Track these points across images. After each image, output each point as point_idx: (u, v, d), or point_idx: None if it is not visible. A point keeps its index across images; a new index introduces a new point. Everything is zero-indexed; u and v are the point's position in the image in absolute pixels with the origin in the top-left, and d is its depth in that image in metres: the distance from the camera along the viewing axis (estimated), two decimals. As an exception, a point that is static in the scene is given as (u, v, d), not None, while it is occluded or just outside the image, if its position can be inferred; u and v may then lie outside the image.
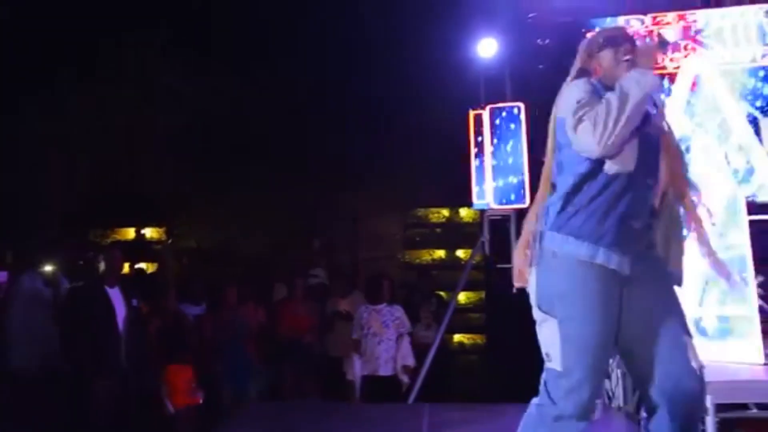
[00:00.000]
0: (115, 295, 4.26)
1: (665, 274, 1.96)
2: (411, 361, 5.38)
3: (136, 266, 8.80)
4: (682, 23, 4.90)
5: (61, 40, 7.99)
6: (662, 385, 1.88)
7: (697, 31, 4.85)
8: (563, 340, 1.89)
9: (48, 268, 4.72)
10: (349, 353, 5.61)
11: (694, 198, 1.96)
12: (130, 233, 10.18)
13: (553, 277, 1.94)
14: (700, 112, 4.16)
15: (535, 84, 5.38)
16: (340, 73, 8.13)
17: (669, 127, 2.02)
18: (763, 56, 4.78)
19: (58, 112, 7.56)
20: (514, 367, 5.13)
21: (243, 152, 7.99)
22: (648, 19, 4.94)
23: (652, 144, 1.94)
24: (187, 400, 4.69)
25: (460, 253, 9.19)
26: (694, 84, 4.33)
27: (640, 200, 1.92)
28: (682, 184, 1.97)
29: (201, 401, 4.75)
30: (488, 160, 5.72)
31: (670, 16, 4.92)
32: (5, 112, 7.93)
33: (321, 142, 8.20)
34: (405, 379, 5.31)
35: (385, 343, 5.32)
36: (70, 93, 7.64)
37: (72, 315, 4.18)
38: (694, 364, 1.86)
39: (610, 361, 3.99)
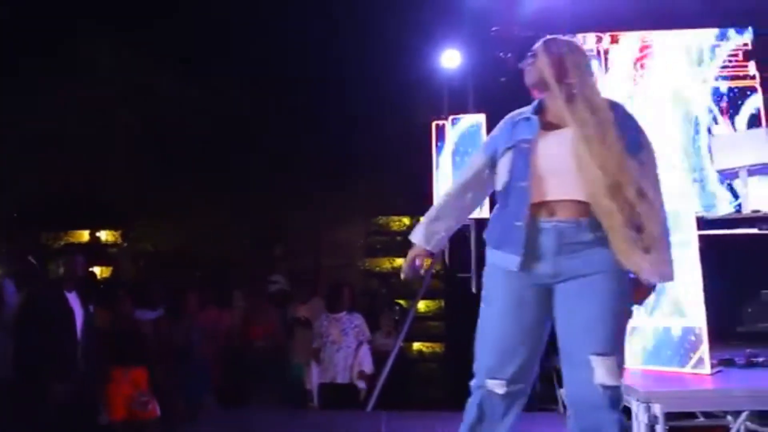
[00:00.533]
0: (72, 299, 4.17)
1: (599, 279, 1.96)
2: (368, 368, 5.38)
3: (89, 270, 8.56)
4: (639, 43, 5.07)
5: (21, 36, 7.77)
6: (570, 392, 2.02)
7: (650, 52, 5.04)
8: (477, 333, 2.14)
9: (-5, 271, 4.54)
10: (308, 361, 5.58)
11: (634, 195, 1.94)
12: (85, 236, 9.91)
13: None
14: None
15: (496, 96, 5.48)
16: (304, 78, 8.12)
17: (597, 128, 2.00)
18: (715, 78, 4.99)
19: (12, 110, 7.32)
20: (472, 375, 5.20)
21: (203, 155, 7.87)
22: (606, 37, 5.09)
23: (522, 152, 2.08)
24: (135, 411, 4.52)
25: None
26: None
27: (519, 202, 2.04)
28: (611, 181, 1.94)
29: (156, 413, 4.59)
30: (449, 170, 5.78)
31: (629, 34, 5.08)
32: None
33: (284, 147, 8.16)
34: (361, 385, 5.32)
35: (344, 350, 5.33)
36: (26, 91, 7.41)
37: (30, 319, 4.05)
38: (598, 381, 1.90)
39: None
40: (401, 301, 7.52)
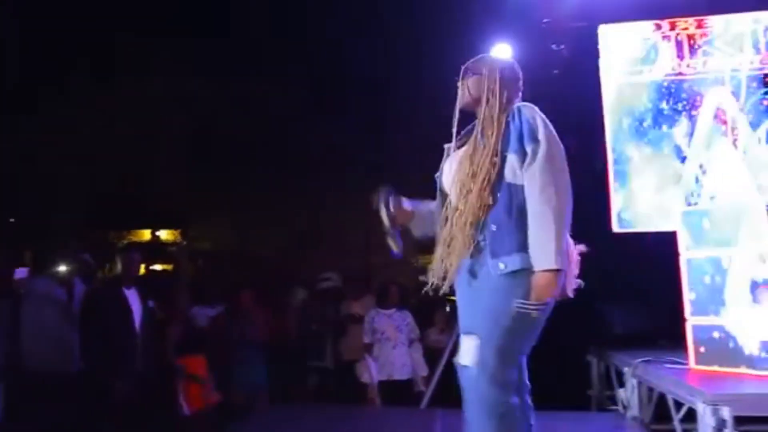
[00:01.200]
0: (131, 296, 4.31)
1: (478, 278, 2.19)
2: (423, 370, 5.40)
3: (151, 267, 8.87)
4: (700, 29, 4.86)
5: (79, 44, 8.10)
6: None
7: (710, 38, 4.81)
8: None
9: (63, 268, 4.75)
10: (362, 356, 5.62)
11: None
12: (146, 235, 10.29)
13: None
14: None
15: (549, 89, 5.37)
16: (355, 77, 8.15)
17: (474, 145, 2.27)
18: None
19: (78, 116, 7.65)
20: (528, 373, 5.12)
21: (259, 156, 8.03)
22: (665, 24, 4.90)
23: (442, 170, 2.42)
24: (203, 401, 4.71)
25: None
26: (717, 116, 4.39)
27: (439, 211, 2.37)
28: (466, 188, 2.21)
29: (216, 401, 4.77)
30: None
31: (689, 21, 4.88)
32: (25, 116, 8.04)
33: (335, 146, 8.24)
34: (421, 387, 5.33)
35: (399, 347, 5.35)
36: (90, 97, 7.73)
37: (90, 316, 4.22)
38: (460, 360, 2.18)
39: (626, 369, 3.98)
40: (454, 298, 7.46)
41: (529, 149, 2.14)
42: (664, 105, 4.82)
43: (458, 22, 6.78)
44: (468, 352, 2.14)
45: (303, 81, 8.15)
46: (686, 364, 3.48)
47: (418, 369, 5.40)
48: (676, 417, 3.26)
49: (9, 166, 8.02)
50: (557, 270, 2.07)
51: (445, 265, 2.28)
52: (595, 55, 4.96)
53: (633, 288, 4.75)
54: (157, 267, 9.16)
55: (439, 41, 7.47)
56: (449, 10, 7.28)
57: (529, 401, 2.36)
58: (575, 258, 2.30)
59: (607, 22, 5.01)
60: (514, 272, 2.10)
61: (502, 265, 2.11)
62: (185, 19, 8.07)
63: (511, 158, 2.16)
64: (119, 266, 4.36)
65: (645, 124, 4.85)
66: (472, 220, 2.16)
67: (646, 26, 4.91)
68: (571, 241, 2.27)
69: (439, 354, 5.41)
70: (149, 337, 4.31)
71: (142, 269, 6.38)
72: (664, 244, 3.88)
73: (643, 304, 4.75)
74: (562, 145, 2.22)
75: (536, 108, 2.27)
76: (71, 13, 8.14)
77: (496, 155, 2.18)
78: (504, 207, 2.14)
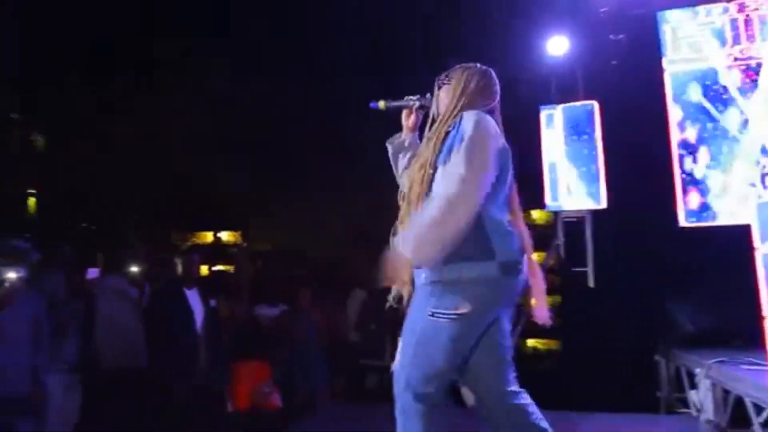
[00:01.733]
0: (193, 296, 4.43)
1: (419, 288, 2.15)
2: None
3: (213, 268, 9.12)
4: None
5: (137, 50, 8.42)
6: None
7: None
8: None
9: (134, 269, 4.94)
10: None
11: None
12: (209, 237, 10.60)
13: None
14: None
15: (608, 80, 5.20)
16: (406, 73, 8.11)
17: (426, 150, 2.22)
18: None
19: (142, 123, 7.95)
20: (592, 373, 4.97)
21: (318, 157, 8.12)
22: (732, 6, 4.66)
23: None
24: (258, 401, 4.76)
25: (534, 256, 8.97)
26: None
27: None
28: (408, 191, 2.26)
29: (278, 404, 4.81)
30: (561, 161, 5.57)
31: (759, 1, 4.62)
32: (92, 125, 8.42)
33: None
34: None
35: None
36: (152, 103, 8.01)
37: (153, 316, 4.36)
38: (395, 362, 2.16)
39: (698, 370, 3.80)
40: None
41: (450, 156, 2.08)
42: (733, 91, 4.60)
43: (512, 16, 6.65)
44: (397, 355, 2.17)
45: (364, 81, 8.16)
46: (766, 365, 3.29)
47: None
48: (757, 421, 3.09)
49: (79, 174, 8.43)
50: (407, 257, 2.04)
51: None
52: (656, 42, 4.77)
53: (703, 285, 4.53)
54: (219, 268, 9.41)
55: (493, 37, 7.36)
56: (503, 4, 7.16)
57: (531, 404, 2.28)
58: (542, 286, 2.31)
59: (667, 8, 4.81)
60: (433, 282, 2.06)
61: (423, 276, 2.10)
62: (241, 21, 8.25)
63: (442, 171, 2.09)
64: (180, 268, 4.49)
65: (713, 112, 4.63)
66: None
67: (712, 9, 4.68)
68: (539, 270, 2.28)
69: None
70: (210, 337, 4.41)
71: (205, 270, 6.56)
72: (737, 238, 3.68)
73: (715, 302, 4.53)
74: (489, 150, 2.10)
75: (481, 114, 2.16)
76: (128, 22, 8.49)
77: (430, 167, 2.15)
78: None
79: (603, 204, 5.36)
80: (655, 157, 4.87)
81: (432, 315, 2.03)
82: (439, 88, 2.35)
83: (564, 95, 5.61)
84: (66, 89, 9.50)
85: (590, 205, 5.47)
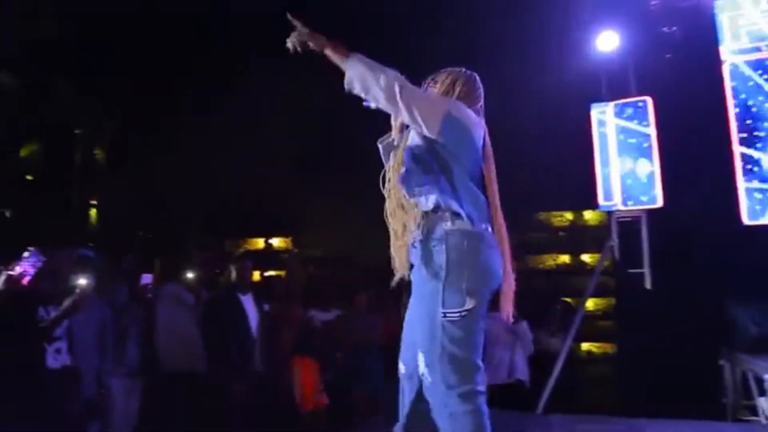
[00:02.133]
0: (247, 301, 4.53)
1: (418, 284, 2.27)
2: (524, 375, 5.29)
3: (265, 274, 9.29)
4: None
5: (188, 56, 8.67)
6: None
7: None
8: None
9: (190, 275, 5.08)
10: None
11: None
12: (260, 243, 10.81)
13: None
14: None
15: (662, 74, 5.05)
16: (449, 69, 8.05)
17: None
18: None
19: (195, 132, 8.17)
20: (650, 378, 4.82)
21: (365, 162, 8.13)
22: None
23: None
24: (315, 401, 4.85)
25: (586, 257, 8.80)
26: None
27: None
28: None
29: (326, 402, 4.89)
30: (614, 159, 5.44)
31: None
32: (148, 136, 8.72)
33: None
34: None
35: (514, 350, 5.27)
36: (205, 113, 8.22)
37: (210, 322, 4.48)
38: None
39: (767, 376, 3.64)
40: (568, 299, 7.19)
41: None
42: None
43: (560, 13, 6.54)
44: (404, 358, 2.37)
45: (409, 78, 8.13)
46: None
47: (517, 373, 5.29)
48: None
49: (137, 185, 8.75)
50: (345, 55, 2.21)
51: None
52: (712, 33, 4.60)
53: (768, 286, 4.34)
54: (271, 273, 9.57)
55: (541, 36, 7.25)
56: (549, 1, 7.05)
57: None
58: (512, 277, 2.38)
59: (723, -1, 4.64)
60: (421, 241, 2.28)
61: (416, 243, 2.32)
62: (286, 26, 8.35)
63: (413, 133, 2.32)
64: (234, 274, 4.60)
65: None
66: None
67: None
68: (509, 267, 2.36)
69: (550, 357, 5.24)
70: (265, 340, 4.50)
71: (257, 275, 6.69)
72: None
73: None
74: (440, 99, 2.32)
75: (458, 104, 2.32)
76: (183, 31, 8.76)
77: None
78: (420, 171, 2.27)
79: (659, 203, 5.21)
80: (713, 153, 4.70)
81: (445, 316, 2.12)
82: (427, 88, 2.43)
83: (615, 92, 5.47)
84: (125, 105, 9.90)
85: (646, 204, 5.32)
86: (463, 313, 2.12)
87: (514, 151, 7.98)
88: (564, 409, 4.47)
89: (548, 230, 9.32)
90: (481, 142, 2.37)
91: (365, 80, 2.17)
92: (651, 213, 5.34)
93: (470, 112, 2.33)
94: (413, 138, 2.32)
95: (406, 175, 2.27)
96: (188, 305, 4.97)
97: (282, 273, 10.00)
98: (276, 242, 10.84)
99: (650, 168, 5.24)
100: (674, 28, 5.04)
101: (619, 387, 5.80)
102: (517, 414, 4.84)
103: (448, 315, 2.12)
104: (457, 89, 2.38)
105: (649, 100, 5.22)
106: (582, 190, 6.14)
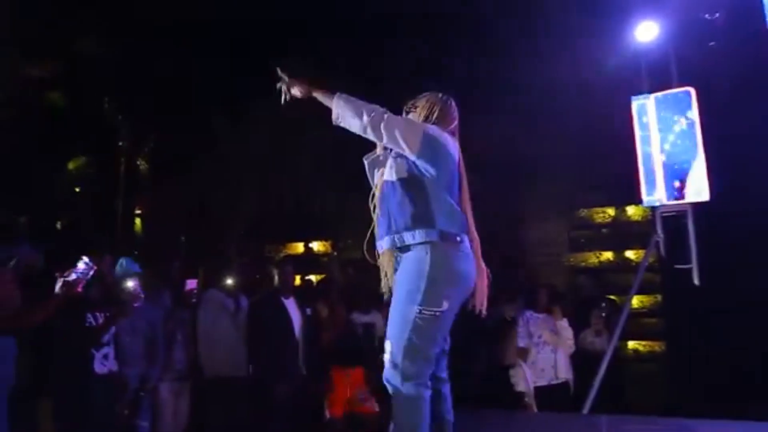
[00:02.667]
0: (290, 305, 4.59)
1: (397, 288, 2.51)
2: (567, 374, 5.20)
3: (306, 278, 9.37)
4: None
5: (231, 66, 8.83)
6: None
7: None
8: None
9: (230, 281, 5.16)
10: (517, 362, 5.49)
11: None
12: (300, 247, 10.91)
13: None
14: None
15: (705, 64, 4.90)
16: (491, 67, 7.95)
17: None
18: None
19: (234, 140, 8.31)
20: (701, 377, 4.68)
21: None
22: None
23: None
24: (355, 407, 4.81)
25: (630, 254, 8.60)
26: None
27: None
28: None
29: (375, 410, 4.84)
30: (657, 153, 5.30)
31: None
32: (189, 145, 8.91)
33: (477, 143, 8.06)
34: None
35: (558, 351, 5.20)
36: (245, 120, 8.35)
37: (254, 326, 4.55)
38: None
39: None
40: (613, 297, 7.04)
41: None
42: None
43: (598, 5, 6.41)
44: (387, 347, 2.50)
45: (447, 75, 8.03)
46: None
47: (560, 371, 5.20)
48: None
49: (180, 194, 8.96)
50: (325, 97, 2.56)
51: None
52: (759, 18, 4.43)
53: None
54: (312, 277, 9.66)
55: (577, 28, 7.12)
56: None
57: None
58: (485, 274, 2.60)
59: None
60: (398, 248, 2.54)
61: (387, 247, 2.60)
62: (332, 36, 8.41)
63: (391, 161, 2.61)
64: (276, 278, 4.66)
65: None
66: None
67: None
68: (482, 266, 2.58)
69: (595, 356, 5.13)
70: (308, 344, 4.54)
71: (298, 279, 6.75)
72: None
73: None
74: (418, 126, 2.54)
75: (432, 127, 2.57)
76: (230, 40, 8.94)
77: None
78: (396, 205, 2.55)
79: (705, 197, 5.05)
80: (761, 144, 4.53)
81: (420, 312, 2.37)
82: (407, 113, 2.70)
83: (656, 83, 5.32)
84: (166, 116, 10.16)
85: (691, 198, 5.15)
86: (437, 314, 2.38)
87: (554, 149, 7.90)
88: (611, 410, 4.38)
89: (590, 227, 9.14)
90: (457, 159, 2.59)
91: (352, 115, 2.49)
92: (697, 207, 5.19)
93: (445, 134, 2.58)
94: (391, 167, 2.57)
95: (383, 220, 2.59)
96: (229, 310, 5.05)
97: (322, 276, 10.09)
98: (316, 246, 10.94)
99: (695, 161, 5.08)
100: (717, 15, 4.88)
101: (668, 386, 5.65)
102: (563, 415, 4.76)
103: (423, 311, 2.37)
104: (435, 113, 2.65)
105: (692, 90, 5.07)
106: (624, 185, 6.01)
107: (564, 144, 7.89)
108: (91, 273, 3.60)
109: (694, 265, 5.10)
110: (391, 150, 2.60)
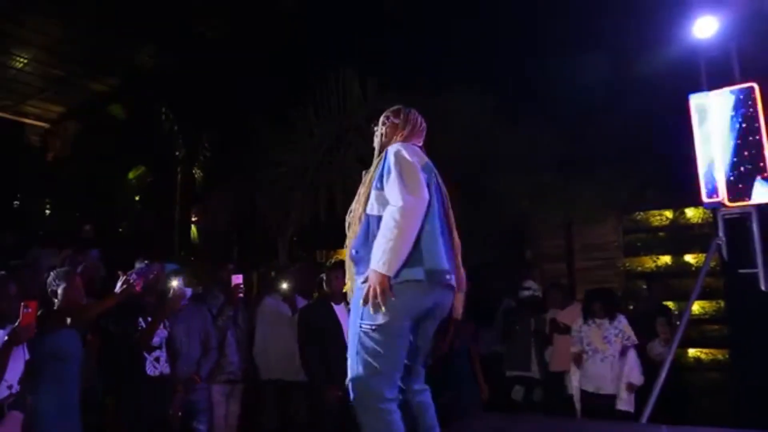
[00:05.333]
0: (340, 310, 4.63)
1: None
2: (637, 379, 4.99)
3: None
4: None
5: (283, 76, 8.98)
6: None
7: None
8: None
9: (285, 287, 5.26)
10: (569, 367, 5.38)
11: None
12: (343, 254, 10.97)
13: None
14: None
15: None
16: (544, 66, 7.80)
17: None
18: None
19: (285, 148, 8.44)
20: (766, 387, 4.45)
21: (448, 163, 8.05)
22: None
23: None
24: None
25: (689, 258, 8.28)
26: None
27: None
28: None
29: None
30: (718, 153, 5.09)
31: None
32: (242, 155, 9.11)
33: (525, 142, 7.92)
34: (624, 396, 4.95)
35: (609, 360, 5.03)
36: (295, 126, 8.46)
37: (305, 331, 4.61)
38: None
39: None
40: (669, 303, 6.79)
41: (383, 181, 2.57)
42: None
43: (655, 3, 6.22)
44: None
45: (496, 70, 7.91)
46: None
47: (630, 377, 5.01)
48: None
49: (233, 204, 9.15)
50: (384, 274, 2.41)
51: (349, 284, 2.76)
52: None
53: None
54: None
55: (638, 27, 6.93)
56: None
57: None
58: (463, 281, 2.65)
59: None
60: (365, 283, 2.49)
61: (360, 279, 2.56)
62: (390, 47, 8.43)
63: (374, 193, 2.59)
64: (326, 284, 4.71)
65: None
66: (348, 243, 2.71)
67: None
68: (462, 274, 2.64)
69: (654, 364, 4.97)
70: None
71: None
72: None
73: None
74: (414, 168, 2.54)
75: (400, 145, 2.65)
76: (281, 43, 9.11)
77: (366, 192, 2.65)
78: (362, 234, 2.58)
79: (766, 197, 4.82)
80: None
81: (360, 327, 2.48)
82: (383, 124, 2.84)
83: (716, 80, 5.12)
84: (219, 126, 10.44)
85: (756, 199, 4.93)
86: (375, 327, 2.45)
87: (609, 149, 7.67)
88: (671, 420, 4.22)
89: (647, 230, 8.85)
90: (428, 173, 2.63)
91: (389, 249, 2.46)
92: (762, 208, 4.95)
93: (411, 149, 2.64)
94: (376, 200, 2.59)
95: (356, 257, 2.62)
96: (286, 316, 5.14)
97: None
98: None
99: (759, 160, 4.86)
100: (780, 8, 4.67)
101: (732, 396, 5.39)
102: (620, 423, 4.63)
103: (363, 326, 2.48)
104: (407, 129, 2.77)
105: (755, 86, 4.85)
106: (682, 186, 5.80)
107: (619, 144, 7.67)
108: (152, 274, 3.75)
109: (759, 269, 4.88)
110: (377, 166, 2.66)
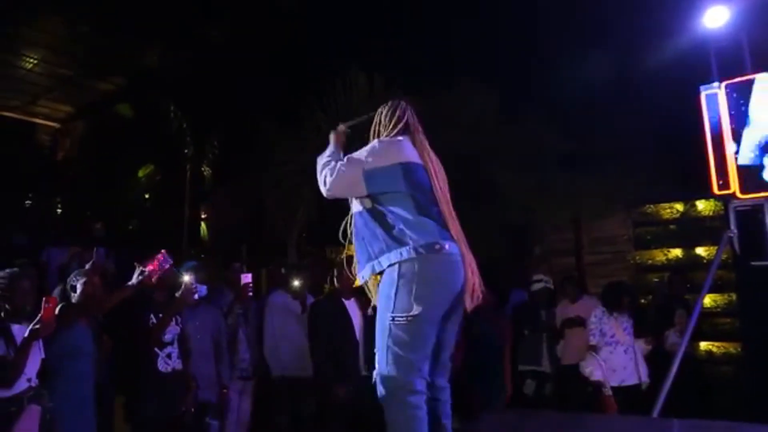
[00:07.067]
0: (351, 306, 4.64)
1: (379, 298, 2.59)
2: (644, 375, 5.02)
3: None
4: None
5: (289, 75, 8.98)
6: None
7: None
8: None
9: (296, 283, 5.26)
10: (585, 356, 5.34)
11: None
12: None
13: None
14: None
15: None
16: (551, 56, 7.75)
17: None
18: None
19: (293, 145, 8.44)
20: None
21: (457, 159, 8.01)
22: None
23: None
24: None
25: (701, 250, 8.22)
26: None
27: None
28: None
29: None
30: (729, 144, 5.05)
31: None
32: (250, 152, 9.12)
33: (531, 135, 7.88)
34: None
35: (630, 351, 5.06)
36: (303, 124, 8.46)
37: (316, 327, 4.61)
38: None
39: None
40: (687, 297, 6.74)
41: None
42: None
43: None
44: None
45: (503, 67, 7.86)
46: None
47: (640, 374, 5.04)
48: None
49: (238, 196, 9.18)
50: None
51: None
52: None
53: None
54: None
55: (646, 15, 6.86)
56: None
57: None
58: (474, 270, 2.60)
59: None
60: (379, 273, 2.60)
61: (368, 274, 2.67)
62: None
63: None
64: (337, 279, 4.72)
65: None
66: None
67: None
68: (470, 255, 2.61)
69: (666, 357, 4.95)
70: (369, 344, 4.56)
71: (358, 281, 6.79)
72: None
73: None
74: (348, 175, 2.67)
75: (381, 141, 2.74)
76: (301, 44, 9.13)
77: None
78: (355, 234, 2.76)
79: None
80: None
81: (393, 320, 2.44)
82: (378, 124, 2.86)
83: (727, 71, 5.06)
84: (227, 124, 10.46)
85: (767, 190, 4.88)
86: (409, 318, 2.42)
87: (616, 139, 7.61)
88: (682, 414, 4.19)
89: (658, 223, 8.79)
90: (420, 162, 2.66)
91: (319, 171, 2.82)
92: (775, 200, 4.91)
93: (403, 141, 2.69)
94: (357, 198, 2.71)
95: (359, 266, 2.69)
96: (295, 312, 5.15)
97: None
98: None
99: (772, 151, 4.81)
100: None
101: (745, 390, 5.36)
102: (630, 417, 4.60)
103: (396, 318, 2.44)
104: (400, 124, 2.78)
105: (766, 76, 4.80)
106: (693, 178, 5.76)
107: (628, 137, 7.62)
108: (167, 266, 3.78)
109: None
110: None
